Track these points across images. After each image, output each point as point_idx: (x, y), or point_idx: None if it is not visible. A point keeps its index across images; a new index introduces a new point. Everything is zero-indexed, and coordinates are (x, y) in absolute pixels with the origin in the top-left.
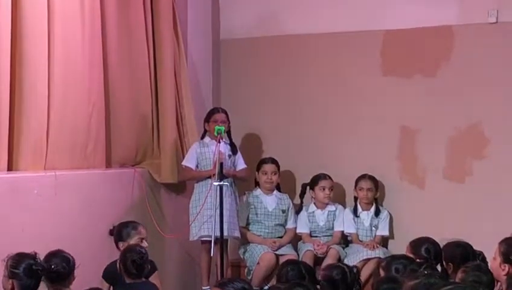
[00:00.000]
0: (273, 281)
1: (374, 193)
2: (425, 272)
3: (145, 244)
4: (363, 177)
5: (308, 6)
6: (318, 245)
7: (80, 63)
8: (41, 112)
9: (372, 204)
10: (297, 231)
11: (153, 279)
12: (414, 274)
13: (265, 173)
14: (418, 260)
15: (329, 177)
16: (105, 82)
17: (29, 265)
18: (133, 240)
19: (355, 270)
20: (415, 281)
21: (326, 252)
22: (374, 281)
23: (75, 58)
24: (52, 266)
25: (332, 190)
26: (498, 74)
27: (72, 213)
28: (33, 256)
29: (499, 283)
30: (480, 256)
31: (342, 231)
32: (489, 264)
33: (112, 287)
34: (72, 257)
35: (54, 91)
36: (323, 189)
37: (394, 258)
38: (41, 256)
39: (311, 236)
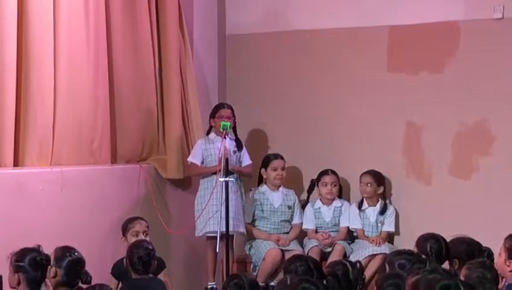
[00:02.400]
0: (279, 277)
1: (375, 187)
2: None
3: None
4: (366, 172)
5: (313, 2)
6: (323, 236)
7: (85, 59)
8: (47, 108)
9: (379, 200)
10: (303, 227)
11: (161, 277)
12: (417, 270)
13: (275, 169)
14: (423, 256)
15: (334, 173)
16: (111, 78)
17: (34, 257)
18: (129, 234)
19: (358, 265)
20: (416, 277)
21: (332, 246)
22: (378, 277)
23: (81, 54)
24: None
25: (336, 185)
26: (504, 69)
27: (77, 209)
28: (37, 249)
29: (503, 280)
30: (486, 252)
31: (348, 227)
32: (494, 261)
33: (120, 283)
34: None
35: (59, 87)
36: (325, 185)
37: (398, 253)
38: (46, 251)
39: (316, 232)
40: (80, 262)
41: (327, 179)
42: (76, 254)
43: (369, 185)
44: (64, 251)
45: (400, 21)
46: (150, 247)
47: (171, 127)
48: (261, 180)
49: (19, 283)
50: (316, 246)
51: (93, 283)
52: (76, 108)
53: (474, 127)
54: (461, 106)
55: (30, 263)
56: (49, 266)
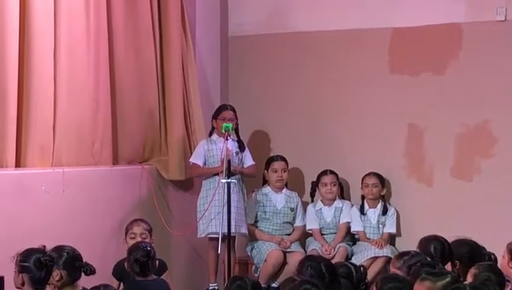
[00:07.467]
0: (281, 278)
1: (380, 189)
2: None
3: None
4: (369, 174)
5: (316, 3)
6: (326, 249)
7: (86, 60)
8: (48, 109)
9: (379, 202)
10: (307, 228)
11: (163, 278)
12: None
13: (276, 171)
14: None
15: (332, 172)
16: (112, 79)
17: (38, 258)
18: (127, 237)
19: (362, 269)
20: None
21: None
22: (377, 280)
23: (82, 56)
24: None
25: (335, 185)
26: (506, 71)
27: (79, 210)
28: (42, 249)
29: (509, 284)
30: (487, 256)
31: (348, 222)
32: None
33: (121, 284)
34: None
35: (60, 88)
36: (325, 185)
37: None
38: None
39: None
40: (77, 256)
41: (326, 179)
42: (69, 249)
43: (375, 186)
44: (59, 251)
45: (402, 23)
46: (148, 248)
47: (172, 128)
48: (264, 182)
49: (23, 283)
50: (315, 249)
51: (94, 283)
52: (77, 109)
53: (476, 129)
54: (463, 107)
55: (35, 263)
56: (54, 271)
